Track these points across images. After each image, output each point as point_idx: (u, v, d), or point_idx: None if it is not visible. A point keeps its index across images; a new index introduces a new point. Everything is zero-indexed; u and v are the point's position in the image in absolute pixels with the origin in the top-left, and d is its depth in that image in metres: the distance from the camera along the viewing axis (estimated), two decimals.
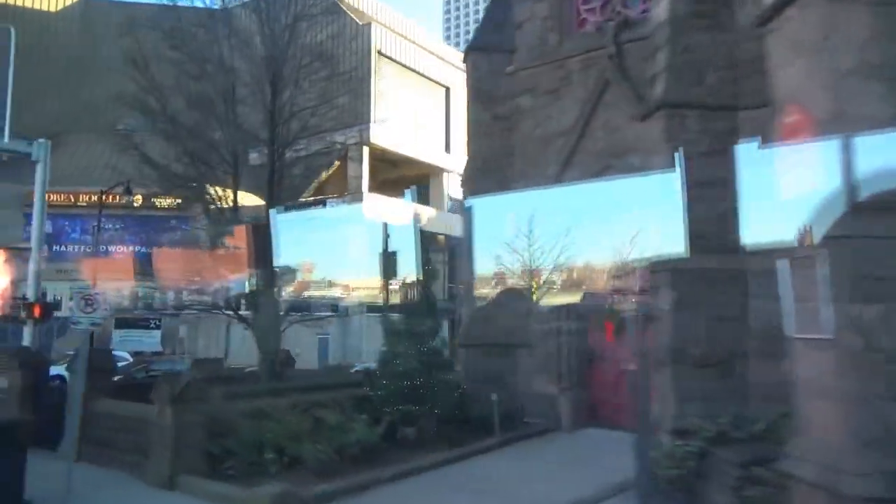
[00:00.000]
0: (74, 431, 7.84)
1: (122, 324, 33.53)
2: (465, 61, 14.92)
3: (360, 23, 48.29)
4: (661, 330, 8.99)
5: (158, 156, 16.30)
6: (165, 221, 44.53)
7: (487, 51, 14.31)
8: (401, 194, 52.88)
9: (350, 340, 44.50)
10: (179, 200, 44.44)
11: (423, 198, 52.98)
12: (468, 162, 14.71)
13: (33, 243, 14.87)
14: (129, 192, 29.17)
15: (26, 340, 14.32)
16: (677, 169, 12.84)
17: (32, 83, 50.97)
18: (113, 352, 27.21)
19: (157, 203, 44.18)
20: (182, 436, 8.82)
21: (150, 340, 33.45)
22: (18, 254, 42.35)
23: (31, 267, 14.48)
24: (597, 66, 12.89)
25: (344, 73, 18.99)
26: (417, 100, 50.92)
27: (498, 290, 14.65)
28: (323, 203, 47.68)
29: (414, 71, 50.88)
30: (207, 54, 15.57)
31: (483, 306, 14.20)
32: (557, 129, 13.35)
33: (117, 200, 43.37)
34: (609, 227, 12.92)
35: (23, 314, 13.97)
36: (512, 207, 14.07)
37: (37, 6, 51.99)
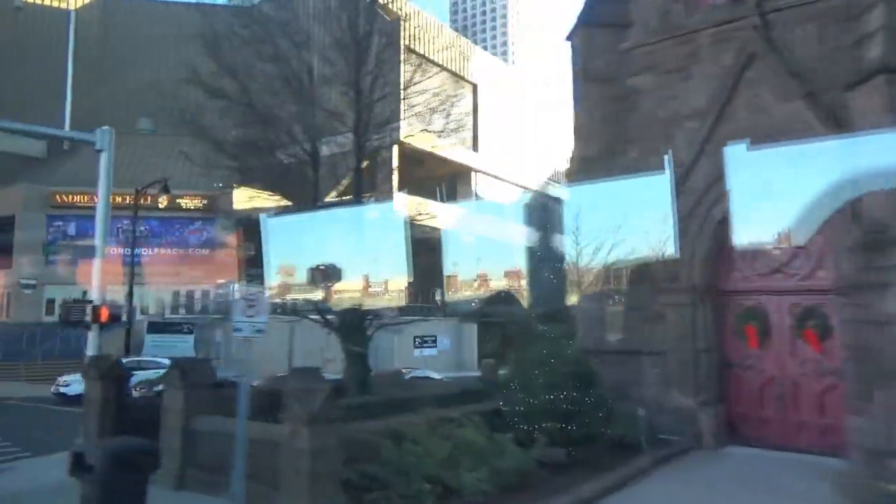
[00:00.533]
0: (241, 467, 6.45)
1: (155, 328, 32.22)
2: (570, 38, 13.58)
3: (388, 18, 47.09)
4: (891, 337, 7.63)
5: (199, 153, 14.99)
6: (190, 223, 43.36)
7: (599, 26, 12.98)
8: (431, 194, 51.70)
9: (383, 341, 43.26)
10: (206, 201, 43.42)
11: (451, 198, 51.74)
12: (576, 149, 13.35)
13: (97, 241, 13.53)
14: (166, 190, 27.81)
15: (91, 347, 13.01)
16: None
17: (53, 83, 49.95)
18: (156, 358, 26.06)
19: (182, 204, 43.00)
20: (320, 462, 7.46)
21: (184, 346, 32.11)
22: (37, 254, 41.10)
23: (95, 267, 13.17)
24: (732, 41, 11.54)
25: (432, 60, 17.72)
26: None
27: (606, 289, 13.33)
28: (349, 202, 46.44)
29: (441, 67, 49.62)
30: (285, 33, 14.27)
31: (596, 309, 12.84)
32: (686, 111, 12.00)
33: (142, 202, 42.11)
34: None
35: (88, 318, 12.66)
36: (619, 197, 12.73)
37: (56, 3, 50.87)
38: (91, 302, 13.19)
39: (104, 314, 12.88)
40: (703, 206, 11.67)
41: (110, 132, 13.67)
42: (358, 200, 15.21)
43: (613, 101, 12.82)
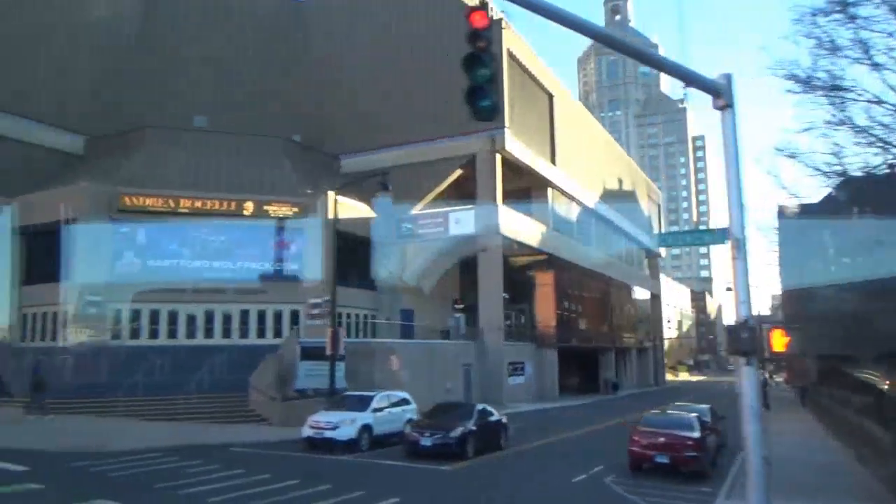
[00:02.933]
0: None
1: (308, 354, 27.08)
2: None
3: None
4: None
5: None
6: (277, 232, 37.83)
7: None
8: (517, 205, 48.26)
9: (488, 368, 38.84)
10: (296, 209, 38.21)
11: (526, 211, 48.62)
12: None
13: (735, 234, 9.55)
14: (385, 187, 23.25)
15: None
16: None
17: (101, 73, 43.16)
18: (392, 392, 21.32)
19: (269, 211, 37.63)
20: None
21: (336, 374, 27.20)
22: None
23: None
24: None
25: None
26: (526, 106, 46.80)
27: None
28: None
29: (529, 75, 46.77)
30: None
31: None
32: None
33: (226, 207, 36.65)
34: None
35: None
36: None
37: None
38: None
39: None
40: None
41: (732, 78, 9.80)
42: None
43: None
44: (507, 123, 41.58)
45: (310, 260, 37.28)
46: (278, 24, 49.72)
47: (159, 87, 45.58)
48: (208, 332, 35.41)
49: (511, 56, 43.98)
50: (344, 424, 17.33)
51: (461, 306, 49.60)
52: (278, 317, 36.78)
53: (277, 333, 36.24)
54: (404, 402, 20.21)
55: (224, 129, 43.69)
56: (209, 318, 35.69)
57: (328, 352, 22.00)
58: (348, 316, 39.25)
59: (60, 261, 34.29)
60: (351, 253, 38.98)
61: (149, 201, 35.46)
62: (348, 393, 20.44)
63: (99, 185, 34.42)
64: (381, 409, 18.68)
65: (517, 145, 43.11)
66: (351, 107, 46.46)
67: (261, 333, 36.25)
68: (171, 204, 35.78)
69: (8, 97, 37.70)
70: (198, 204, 36.12)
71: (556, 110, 50.64)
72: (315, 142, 46.00)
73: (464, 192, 42.95)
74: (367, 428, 17.73)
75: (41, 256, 35.85)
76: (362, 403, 18.49)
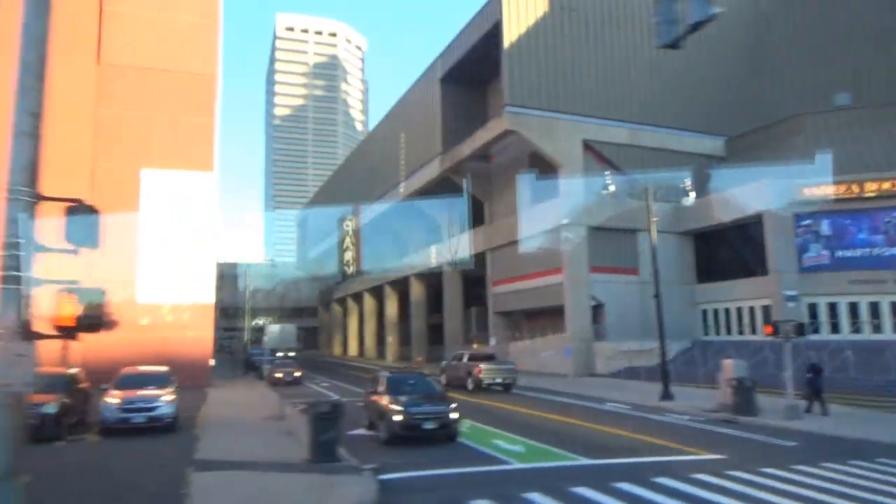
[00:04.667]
0: None
1: None
2: None
3: None
4: None
5: None
6: None
7: None
8: None
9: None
10: None
11: None
12: None
13: None
14: None
15: None
16: None
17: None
18: None
19: None
20: None
21: None
22: None
23: None
24: None
25: None
26: None
27: None
28: None
29: None
30: None
31: None
32: None
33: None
34: None
35: None
36: None
37: None
38: None
39: None
40: None
41: None
42: None
43: None
44: None
45: None
46: None
47: (787, 77, 44.53)
48: None
49: None
50: None
51: None
52: None
53: None
54: None
55: (868, 102, 39.79)
56: None
57: None
58: None
59: (739, 259, 35.62)
60: None
61: (829, 190, 33.81)
62: None
63: (777, 180, 34.36)
64: None
65: None
66: None
67: None
68: (855, 189, 33.44)
69: (659, 113, 41.53)
70: (885, 185, 32.95)
71: None
72: None
73: None
74: None
75: (718, 256, 38.08)
76: None
